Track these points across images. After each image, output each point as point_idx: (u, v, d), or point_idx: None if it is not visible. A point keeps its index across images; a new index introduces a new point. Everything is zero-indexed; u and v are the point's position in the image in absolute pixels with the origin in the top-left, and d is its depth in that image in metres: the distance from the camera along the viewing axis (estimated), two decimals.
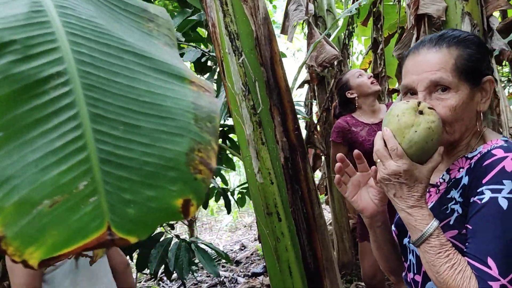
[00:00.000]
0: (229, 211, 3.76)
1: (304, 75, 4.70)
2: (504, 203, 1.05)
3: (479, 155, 1.17)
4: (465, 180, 1.17)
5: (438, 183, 1.28)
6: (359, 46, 7.81)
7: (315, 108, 5.09)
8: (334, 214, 4.65)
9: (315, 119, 4.62)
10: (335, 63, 3.64)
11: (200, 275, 5.19)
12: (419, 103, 1.11)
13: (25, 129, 0.63)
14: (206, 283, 4.93)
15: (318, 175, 6.67)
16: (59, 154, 0.62)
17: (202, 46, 2.85)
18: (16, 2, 0.73)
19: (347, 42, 4.66)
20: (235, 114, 2.01)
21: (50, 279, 1.80)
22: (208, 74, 2.81)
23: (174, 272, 2.77)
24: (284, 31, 2.98)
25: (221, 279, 4.88)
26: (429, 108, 1.12)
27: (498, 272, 1.00)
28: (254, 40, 1.97)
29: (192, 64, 2.55)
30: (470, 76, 1.17)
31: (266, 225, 2.03)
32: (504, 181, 1.06)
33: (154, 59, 0.73)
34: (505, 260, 1.02)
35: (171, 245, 2.86)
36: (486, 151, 1.16)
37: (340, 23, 4.65)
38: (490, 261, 1.02)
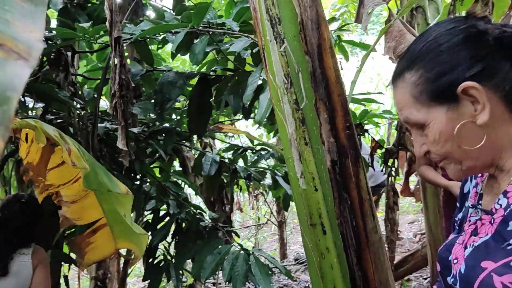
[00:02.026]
0: None
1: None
2: None
3: None
4: None
5: (494, 210, 0.95)
6: None
7: None
8: (429, 224, 4.15)
9: None
10: None
11: None
12: None
13: None
14: None
15: (414, 179, 6.09)
16: None
17: None
18: None
19: None
20: (277, 110, 1.77)
21: None
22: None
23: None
24: (358, 19, 2.65)
25: None
26: None
27: None
28: (299, 25, 1.71)
29: (250, 56, 2.37)
30: (439, 96, 0.88)
31: (309, 237, 1.77)
32: None
33: None
34: None
35: (229, 254, 2.71)
36: None
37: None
38: None
